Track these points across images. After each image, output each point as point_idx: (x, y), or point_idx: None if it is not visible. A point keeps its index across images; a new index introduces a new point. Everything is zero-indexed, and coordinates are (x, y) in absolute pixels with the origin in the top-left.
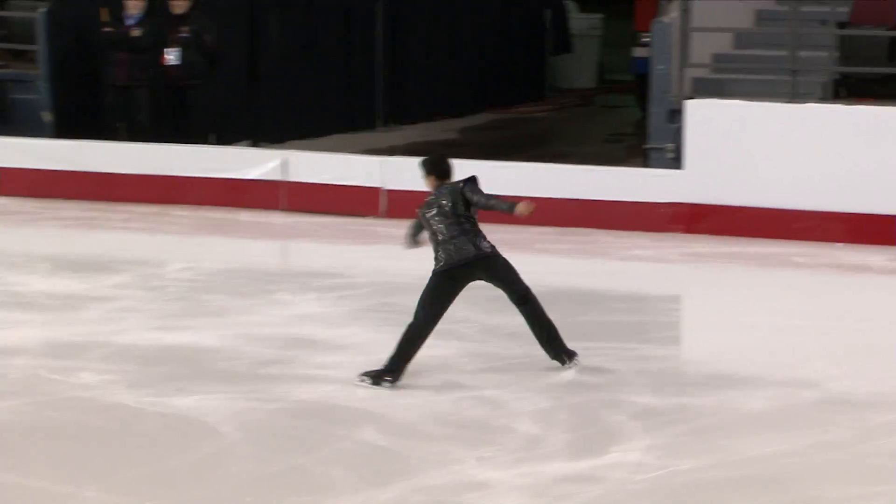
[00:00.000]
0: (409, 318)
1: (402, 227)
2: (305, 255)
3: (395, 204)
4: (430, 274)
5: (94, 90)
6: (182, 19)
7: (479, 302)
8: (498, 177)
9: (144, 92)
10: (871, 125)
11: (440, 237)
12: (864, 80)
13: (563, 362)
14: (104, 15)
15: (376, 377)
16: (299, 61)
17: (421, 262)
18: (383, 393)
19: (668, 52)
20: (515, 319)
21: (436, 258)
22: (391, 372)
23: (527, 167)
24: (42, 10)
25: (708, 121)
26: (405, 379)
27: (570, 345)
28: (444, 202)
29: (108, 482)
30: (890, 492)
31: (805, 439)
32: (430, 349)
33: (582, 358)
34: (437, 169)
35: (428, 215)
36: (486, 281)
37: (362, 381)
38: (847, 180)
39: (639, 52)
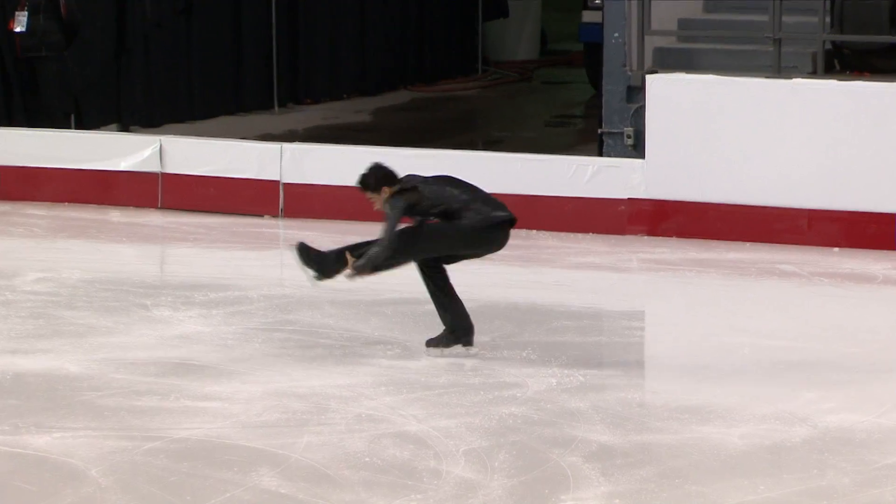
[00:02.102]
0: (314, 338)
1: (304, 228)
2: (187, 263)
3: (294, 201)
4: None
5: None
6: None
7: (402, 320)
8: (417, 167)
9: None
10: (870, 105)
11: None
12: (860, 52)
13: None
14: None
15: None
16: (177, 29)
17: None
18: (283, 429)
19: (624, 17)
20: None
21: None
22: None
23: (452, 156)
24: None
25: (674, 100)
26: (309, 414)
27: (509, 370)
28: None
29: None
30: None
31: (794, 485)
32: (340, 376)
33: (524, 387)
34: (381, 182)
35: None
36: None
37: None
38: (843, 172)
39: (589, 16)
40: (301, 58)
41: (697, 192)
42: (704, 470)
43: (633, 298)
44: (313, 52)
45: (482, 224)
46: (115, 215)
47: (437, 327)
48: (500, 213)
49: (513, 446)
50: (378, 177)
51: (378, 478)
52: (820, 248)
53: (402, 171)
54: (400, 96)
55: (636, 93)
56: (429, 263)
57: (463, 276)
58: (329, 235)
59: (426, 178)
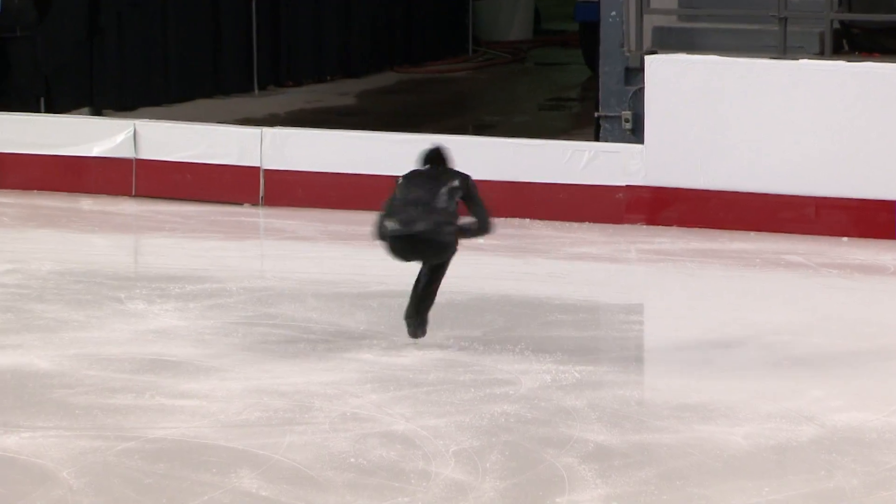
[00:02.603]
0: (296, 333)
1: (286, 217)
2: (163, 253)
3: (276, 188)
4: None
5: None
6: None
7: (389, 313)
8: (403, 153)
9: None
10: (880, 87)
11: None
12: (870, 31)
13: (415, 336)
14: None
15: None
16: (152, 8)
17: (312, 263)
18: (265, 429)
19: None
20: (431, 332)
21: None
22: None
23: (441, 141)
24: None
25: (674, 82)
26: (290, 412)
27: (501, 366)
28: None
29: None
30: None
31: (801, 487)
32: (324, 373)
33: (517, 385)
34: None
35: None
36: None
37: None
38: (852, 157)
39: None
40: (283, 37)
41: (699, 178)
42: (706, 471)
43: (631, 291)
44: (295, 32)
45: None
46: (87, 203)
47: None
48: (394, 227)
49: (505, 446)
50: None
51: (364, 480)
52: (828, 237)
53: (388, 156)
54: (386, 78)
55: (635, 74)
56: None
57: (453, 267)
58: (311, 224)
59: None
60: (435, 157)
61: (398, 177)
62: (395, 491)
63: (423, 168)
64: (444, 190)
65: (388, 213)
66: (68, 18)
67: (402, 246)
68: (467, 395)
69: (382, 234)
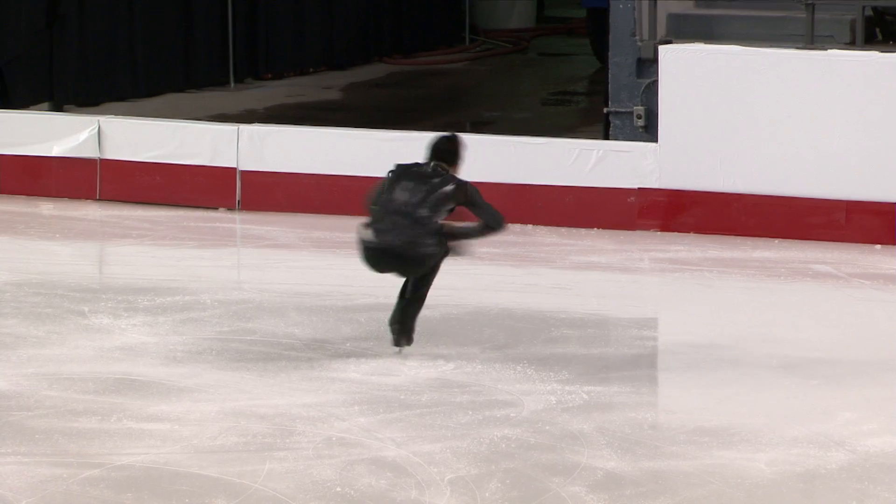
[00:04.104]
0: (277, 350)
1: (265, 223)
2: (130, 263)
3: (253, 191)
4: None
5: None
6: None
7: (377, 328)
8: (394, 151)
9: None
10: None
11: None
12: None
13: (398, 344)
14: None
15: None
16: None
17: (293, 273)
18: (242, 455)
19: None
20: (425, 349)
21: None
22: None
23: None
24: None
25: (691, 74)
26: (270, 437)
27: (501, 386)
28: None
29: None
30: None
31: None
32: (307, 394)
33: (519, 407)
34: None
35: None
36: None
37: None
38: (885, 158)
39: None
40: (261, 25)
41: (718, 180)
42: (727, 501)
43: (644, 304)
44: (275, 19)
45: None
46: (47, 208)
47: (419, 336)
48: (369, 237)
49: (506, 474)
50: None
51: None
52: (859, 245)
53: (376, 155)
54: (375, 70)
55: (648, 66)
56: None
57: (448, 278)
58: (293, 231)
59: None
60: (442, 152)
61: (392, 167)
62: None
63: (421, 163)
64: (433, 197)
65: (369, 218)
66: (24, 4)
67: (374, 257)
68: (464, 418)
69: (359, 240)
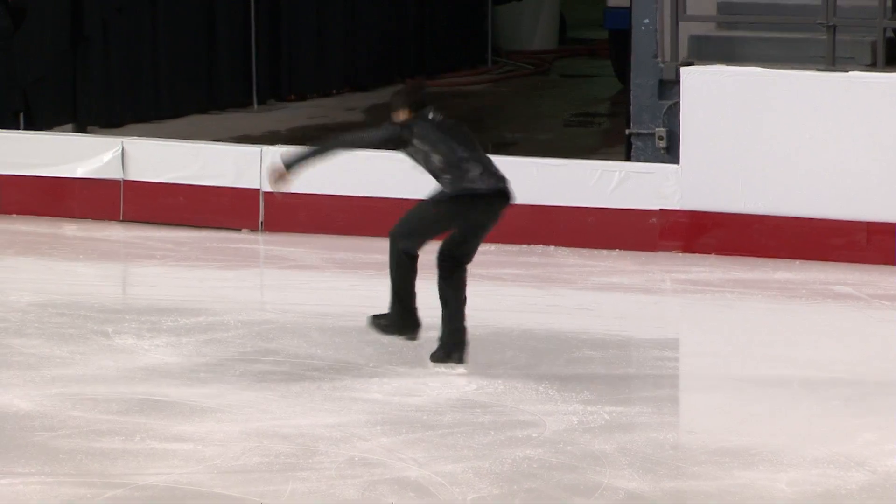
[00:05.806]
0: (299, 370)
1: (288, 244)
2: (154, 283)
3: (277, 212)
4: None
5: None
6: None
7: (400, 349)
8: (417, 174)
9: None
10: None
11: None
12: None
13: (450, 360)
14: None
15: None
16: (141, 15)
17: (316, 294)
18: (265, 475)
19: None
20: (447, 370)
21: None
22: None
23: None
24: None
25: (713, 95)
26: (293, 457)
27: (523, 407)
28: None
29: None
30: None
31: None
32: (330, 414)
33: (541, 427)
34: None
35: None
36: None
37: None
38: None
39: (615, 0)
40: (283, 47)
41: (740, 202)
42: None
43: (665, 325)
44: (297, 41)
45: (455, 192)
46: (71, 229)
47: (425, 350)
48: (481, 186)
49: (528, 494)
50: (403, 95)
51: None
52: (881, 266)
53: (400, 177)
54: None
55: (669, 87)
56: (444, 261)
57: (470, 299)
58: (316, 252)
59: (441, 124)
60: (431, 96)
61: (409, 123)
62: None
63: (430, 118)
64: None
65: (458, 172)
66: (48, 26)
67: (494, 202)
68: (486, 439)
69: (469, 189)
